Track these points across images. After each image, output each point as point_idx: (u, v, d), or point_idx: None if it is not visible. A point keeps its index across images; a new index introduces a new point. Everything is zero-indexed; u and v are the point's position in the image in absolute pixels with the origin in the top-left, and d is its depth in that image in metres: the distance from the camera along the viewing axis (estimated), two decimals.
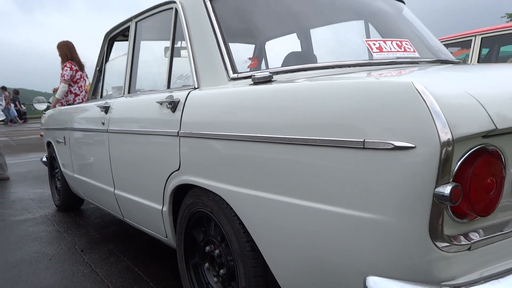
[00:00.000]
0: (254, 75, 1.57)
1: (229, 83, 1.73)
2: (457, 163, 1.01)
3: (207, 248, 1.84)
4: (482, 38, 4.27)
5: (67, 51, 5.20)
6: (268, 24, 2.32)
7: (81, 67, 5.29)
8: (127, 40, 2.77)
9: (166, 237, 2.16)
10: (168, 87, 2.15)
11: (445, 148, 0.96)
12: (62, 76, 5.11)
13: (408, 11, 2.47)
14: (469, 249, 1.06)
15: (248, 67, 1.80)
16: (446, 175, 0.98)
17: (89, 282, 2.51)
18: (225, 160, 1.59)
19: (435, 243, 1.02)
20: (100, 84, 3.16)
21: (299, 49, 2.52)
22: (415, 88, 1.00)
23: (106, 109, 2.66)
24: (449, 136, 0.96)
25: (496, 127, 1.02)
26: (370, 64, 1.83)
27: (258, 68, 1.79)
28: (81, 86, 5.27)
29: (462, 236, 1.06)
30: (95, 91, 3.26)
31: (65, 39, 5.39)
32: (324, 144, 1.17)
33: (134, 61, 2.63)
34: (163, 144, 1.98)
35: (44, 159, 4.63)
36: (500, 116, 1.04)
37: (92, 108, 2.96)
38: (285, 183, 1.33)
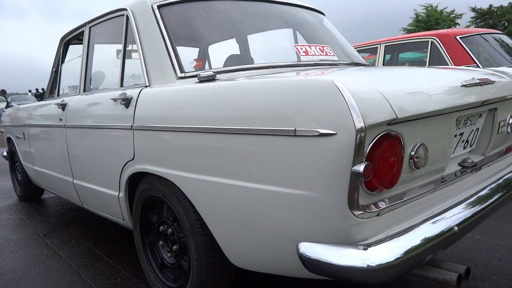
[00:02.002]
0: (199, 74, 1.56)
1: (177, 81, 1.70)
2: (368, 146, 1.06)
3: (161, 227, 1.81)
4: (385, 46, 4.51)
5: None
6: (210, 30, 2.29)
7: None
8: (81, 43, 2.63)
9: (123, 220, 2.09)
10: (121, 85, 2.07)
11: (359, 134, 1.01)
12: None
13: (328, 22, 2.54)
14: (378, 215, 1.13)
15: (193, 67, 1.78)
16: (360, 156, 1.03)
17: (53, 263, 2.38)
18: (175, 149, 1.56)
19: (352, 212, 1.08)
20: (57, 83, 2.97)
21: (238, 52, 2.51)
22: (335, 85, 1.04)
23: (63, 106, 2.51)
24: (362, 124, 1.01)
25: (397, 116, 1.09)
26: (298, 65, 1.87)
27: (202, 68, 1.77)
28: None
29: (372, 205, 1.13)
30: (52, 90, 3.06)
31: None
32: (262, 133, 1.19)
33: (89, 63, 2.50)
34: (118, 137, 1.91)
35: (5, 153, 4.31)
36: (400, 108, 1.11)
37: (49, 106, 2.79)
38: (228, 168, 1.33)
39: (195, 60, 1.84)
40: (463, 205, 1.31)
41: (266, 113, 1.19)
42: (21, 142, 3.46)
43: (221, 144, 1.34)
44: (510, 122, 1.76)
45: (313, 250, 1.10)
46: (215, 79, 1.55)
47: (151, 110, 1.71)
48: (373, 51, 4.66)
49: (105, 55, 2.64)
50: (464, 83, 1.40)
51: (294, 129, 1.10)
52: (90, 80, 2.53)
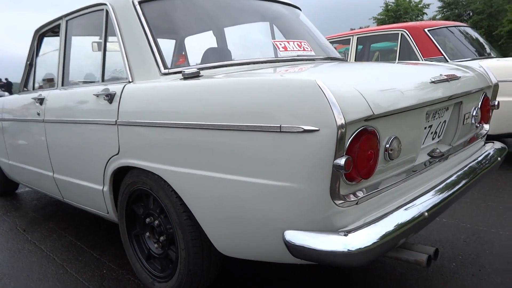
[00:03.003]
0: (184, 71, 1.60)
1: (161, 78, 1.73)
2: (348, 140, 1.15)
3: (147, 220, 1.85)
4: (357, 37, 4.64)
5: None
6: (190, 25, 2.33)
7: None
8: (56, 35, 2.60)
9: (108, 213, 2.12)
10: (103, 80, 2.08)
11: (340, 130, 1.09)
12: None
13: (304, 17, 2.61)
14: (357, 203, 1.23)
15: (176, 64, 1.81)
16: (341, 150, 1.12)
17: (36, 257, 2.39)
18: (161, 144, 1.60)
19: (334, 201, 1.17)
20: (32, 77, 2.92)
21: (216, 45, 2.55)
22: (317, 84, 1.12)
23: (40, 100, 2.49)
24: (343, 121, 1.10)
25: (373, 113, 1.18)
26: (277, 61, 1.93)
27: (186, 64, 1.80)
28: None
29: (352, 195, 1.22)
30: (27, 83, 3.00)
31: None
32: (248, 129, 1.25)
33: (66, 57, 2.48)
34: (102, 131, 1.93)
35: None
36: (376, 105, 1.20)
37: (25, 100, 2.74)
38: (215, 162, 1.39)
39: (178, 56, 1.87)
40: (432, 192, 1.43)
41: (252, 110, 1.25)
42: None
43: (209, 139, 1.39)
44: (474, 114, 1.89)
45: (298, 237, 1.19)
46: (200, 76, 1.60)
47: (136, 105, 1.74)
48: (346, 42, 4.79)
49: (83, 48, 2.62)
50: (433, 80, 1.51)
51: (279, 125, 1.17)
52: (68, 74, 2.51)
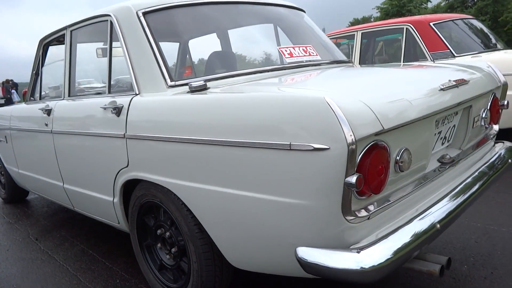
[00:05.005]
0: (191, 84, 1.59)
1: (168, 90, 1.73)
2: (358, 157, 1.14)
3: (159, 231, 1.86)
4: (362, 33, 4.60)
5: None
6: (193, 33, 2.32)
7: None
8: (62, 43, 2.60)
9: (119, 223, 2.14)
10: (109, 92, 2.08)
11: (350, 148, 1.09)
12: None
13: (308, 18, 2.59)
14: (368, 218, 1.22)
15: (184, 75, 1.80)
16: (352, 167, 1.11)
17: (49, 267, 2.42)
18: (171, 158, 1.60)
19: (345, 217, 1.17)
20: (38, 86, 2.93)
21: (220, 49, 2.53)
22: (326, 101, 1.11)
23: (48, 111, 2.50)
24: (353, 138, 1.09)
25: (383, 128, 1.17)
26: (283, 68, 1.92)
27: (192, 75, 1.79)
28: None
29: (363, 209, 1.22)
30: (33, 93, 3.02)
31: None
32: (258, 146, 1.25)
33: (72, 67, 2.48)
34: (111, 144, 1.93)
35: None
36: (386, 119, 1.19)
37: (33, 110, 2.76)
38: (226, 177, 1.39)
39: (184, 68, 1.86)
40: (443, 202, 1.41)
41: (261, 127, 1.25)
42: (3, 145, 3.41)
43: (219, 154, 1.39)
44: (483, 116, 1.87)
45: (310, 254, 1.19)
46: (207, 88, 1.59)
47: (144, 119, 1.74)
48: (350, 37, 4.76)
49: (89, 59, 2.62)
50: (442, 87, 1.49)
51: (289, 143, 1.17)
52: (75, 84, 2.52)
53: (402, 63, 2.36)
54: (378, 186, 1.21)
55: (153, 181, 1.71)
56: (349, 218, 1.18)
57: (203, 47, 2.31)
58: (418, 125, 1.38)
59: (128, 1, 2.04)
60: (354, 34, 4.67)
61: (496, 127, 2.08)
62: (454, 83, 1.57)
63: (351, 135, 1.09)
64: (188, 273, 1.72)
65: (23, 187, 3.43)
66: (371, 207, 1.24)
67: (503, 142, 2.16)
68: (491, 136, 2.05)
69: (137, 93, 1.84)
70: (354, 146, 1.09)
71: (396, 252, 1.16)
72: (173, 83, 1.73)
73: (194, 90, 1.58)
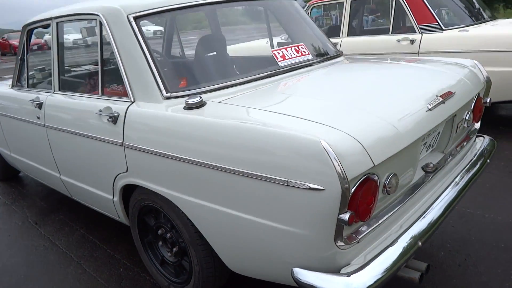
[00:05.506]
0: (188, 101, 1.62)
1: (164, 102, 1.75)
2: (351, 192, 1.24)
3: (159, 231, 1.97)
4: (351, 1, 4.53)
5: None
6: (185, 35, 2.29)
7: None
8: (46, 29, 2.55)
9: (119, 217, 2.23)
10: (103, 93, 2.09)
11: (344, 188, 1.18)
12: None
13: (298, 5, 2.57)
14: (358, 242, 1.35)
15: (179, 86, 1.81)
16: (345, 206, 1.21)
17: (53, 255, 2.54)
18: (170, 172, 1.66)
19: (337, 244, 1.29)
20: (25, 73, 2.88)
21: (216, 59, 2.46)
22: (322, 146, 1.19)
23: (39, 105, 2.49)
24: (346, 179, 1.18)
25: (374, 164, 1.26)
26: (277, 73, 1.95)
27: (188, 87, 1.80)
28: None
29: (353, 235, 1.34)
30: (20, 78, 2.96)
31: None
32: (256, 178, 1.33)
33: (60, 59, 2.44)
34: (109, 149, 1.96)
35: None
36: (377, 154, 1.28)
37: (22, 100, 2.72)
38: (225, 198, 1.48)
39: (179, 79, 1.87)
40: (426, 218, 1.54)
41: (259, 160, 1.32)
42: None
43: (219, 178, 1.46)
44: (467, 118, 1.96)
45: (305, 276, 1.31)
46: (203, 105, 1.63)
47: (142, 133, 1.77)
48: (340, 6, 4.68)
49: (78, 52, 2.58)
50: (429, 107, 1.56)
51: (287, 180, 1.25)
52: (64, 76, 2.49)
53: (388, 60, 2.38)
54: (366, 214, 1.32)
55: (153, 190, 1.79)
56: (340, 244, 1.30)
57: (197, 50, 2.28)
58: (406, 149, 1.46)
59: (115, 1, 1.99)
60: (343, 2, 4.59)
61: (477, 125, 2.18)
62: (441, 98, 1.64)
63: (344, 179, 1.18)
64: (190, 272, 1.86)
65: (16, 167, 3.46)
66: (360, 232, 1.36)
67: (483, 137, 2.28)
68: (473, 133, 2.16)
69: (132, 100, 1.86)
70: (347, 186, 1.19)
71: (383, 273, 1.30)
72: (169, 94, 1.75)
73: (190, 108, 1.62)
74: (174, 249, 1.93)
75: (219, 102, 1.65)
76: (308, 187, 1.21)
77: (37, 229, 2.89)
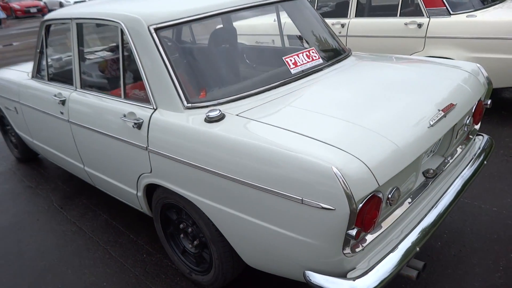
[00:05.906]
0: (208, 114, 1.76)
1: (185, 112, 1.88)
2: (357, 210, 1.40)
3: (181, 225, 2.17)
4: None
5: None
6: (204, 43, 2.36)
7: None
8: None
9: (142, 209, 2.42)
10: (125, 96, 2.21)
11: (352, 207, 1.35)
12: None
13: (306, 3, 2.62)
14: (362, 249, 1.53)
15: (199, 97, 1.93)
16: (353, 223, 1.38)
17: (81, 240, 2.76)
18: (193, 178, 1.82)
19: (344, 252, 1.47)
20: (45, 65, 2.99)
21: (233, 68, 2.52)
22: (333, 172, 1.34)
23: (62, 101, 2.62)
24: (353, 200, 1.34)
25: (379, 185, 1.41)
26: (290, 81, 2.06)
27: (208, 98, 1.92)
28: None
29: (358, 243, 1.52)
30: (39, 71, 3.07)
31: None
32: (273, 194, 1.50)
33: (81, 58, 2.56)
34: (134, 151, 2.11)
35: None
36: (381, 174, 1.43)
37: (45, 93, 2.85)
38: (244, 205, 1.65)
39: (199, 90, 1.98)
40: (422, 225, 1.70)
41: (276, 178, 1.48)
42: (13, 114, 3.54)
43: (240, 189, 1.63)
44: (467, 123, 2.09)
45: (316, 278, 1.51)
46: (222, 118, 1.76)
47: (165, 141, 1.91)
48: None
49: (99, 51, 2.68)
50: (431, 123, 1.69)
51: (301, 198, 1.42)
52: (85, 74, 2.61)
53: (394, 59, 2.44)
54: (370, 226, 1.49)
55: (176, 191, 1.96)
56: (347, 252, 1.48)
57: (214, 59, 2.35)
58: (408, 165, 1.61)
59: (135, 9, 2.08)
60: None
61: (477, 126, 2.31)
62: (443, 113, 1.77)
63: (352, 200, 1.34)
64: (210, 264, 2.06)
65: (36, 151, 3.63)
66: (365, 241, 1.54)
67: (483, 136, 2.40)
68: (472, 133, 2.29)
69: (155, 108, 1.99)
70: (354, 206, 1.35)
71: (385, 275, 1.49)
72: (189, 105, 1.89)
73: (211, 121, 1.76)
74: (195, 242, 2.13)
75: (237, 115, 1.79)
76: (320, 207, 1.38)
77: (63, 214, 3.10)
